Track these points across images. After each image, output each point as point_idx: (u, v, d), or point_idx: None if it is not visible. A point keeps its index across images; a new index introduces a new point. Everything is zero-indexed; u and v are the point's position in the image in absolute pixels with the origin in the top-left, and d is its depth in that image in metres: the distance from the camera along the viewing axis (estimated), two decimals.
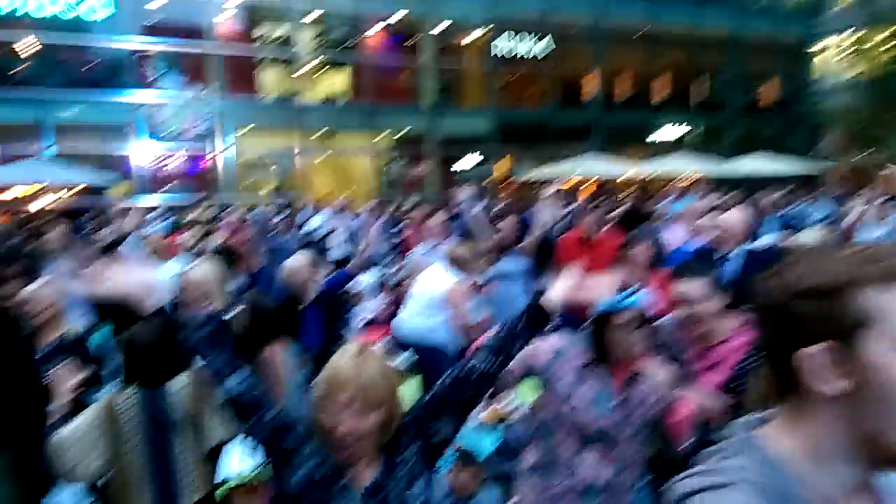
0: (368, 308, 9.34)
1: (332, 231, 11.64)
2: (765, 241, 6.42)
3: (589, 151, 19.42)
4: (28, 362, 3.33)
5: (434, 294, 4.86)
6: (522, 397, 5.70)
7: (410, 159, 20.62)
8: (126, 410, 2.53)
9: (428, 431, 1.76)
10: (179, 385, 2.64)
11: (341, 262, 8.67)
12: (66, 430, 2.46)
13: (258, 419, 1.69)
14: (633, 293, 2.46)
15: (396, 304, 7.98)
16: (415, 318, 4.99)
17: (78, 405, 2.73)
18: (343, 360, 1.63)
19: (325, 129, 18.71)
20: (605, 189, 17.27)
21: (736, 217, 4.44)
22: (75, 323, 3.59)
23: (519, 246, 5.78)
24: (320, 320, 4.74)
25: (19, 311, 3.47)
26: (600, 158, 18.78)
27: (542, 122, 21.39)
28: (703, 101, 23.86)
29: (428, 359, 4.76)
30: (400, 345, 7.65)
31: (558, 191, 7.82)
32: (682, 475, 1.00)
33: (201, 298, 3.61)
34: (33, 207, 11.27)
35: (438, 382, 1.83)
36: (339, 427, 1.60)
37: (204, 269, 3.80)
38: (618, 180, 19.06)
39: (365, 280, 9.64)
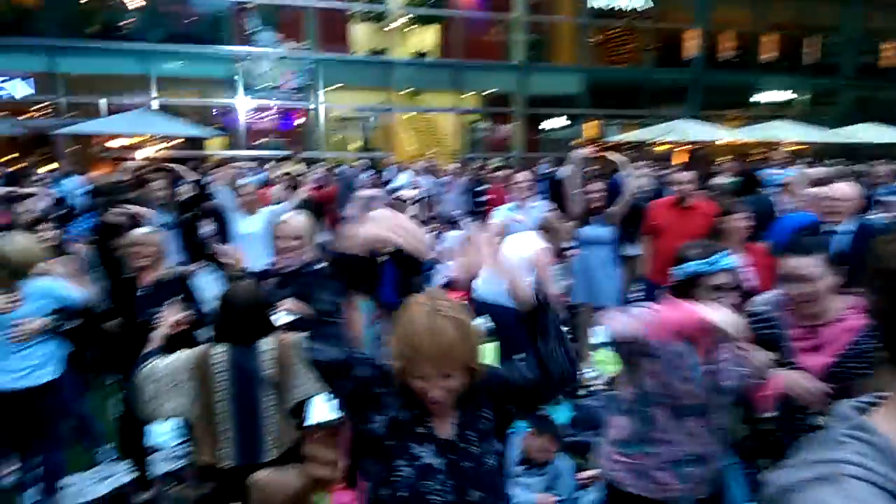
0: (448, 268, 9.39)
1: (417, 189, 11.71)
2: (877, 215, 5.93)
3: (686, 114, 18.51)
4: (133, 299, 3.56)
5: (518, 258, 4.77)
6: (601, 368, 5.61)
7: (497, 119, 20.34)
8: (217, 364, 2.65)
9: (502, 404, 1.77)
10: (268, 345, 2.73)
11: (424, 221, 8.72)
12: (160, 365, 2.61)
13: (346, 370, 1.69)
14: (726, 257, 2.32)
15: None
16: (495, 281, 4.92)
17: (182, 341, 2.93)
18: (420, 322, 1.60)
19: (412, 87, 18.69)
20: (702, 154, 16.46)
21: (846, 189, 4.10)
22: (175, 266, 3.76)
23: (607, 211, 5.59)
24: (397, 276, 4.79)
25: (127, 251, 3.68)
26: (697, 122, 17.86)
27: (637, 81, 20.52)
28: (814, 62, 22.13)
29: (506, 324, 4.73)
30: (478, 308, 7.67)
31: (645, 155, 7.47)
32: (782, 465, 0.91)
33: (295, 248, 3.72)
34: (138, 157, 11.92)
35: (518, 370, 1.80)
36: (421, 387, 1.61)
37: (297, 220, 3.89)
38: (716, 145, 18.11)
39: (448, 239, 9.67)
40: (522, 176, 5.96)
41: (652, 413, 2.38)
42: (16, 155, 15.26)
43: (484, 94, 20.04)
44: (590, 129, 20.61)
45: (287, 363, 2.72)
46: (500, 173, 12.12)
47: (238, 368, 2.66)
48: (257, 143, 17.64)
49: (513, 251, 4.99)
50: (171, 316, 3.02)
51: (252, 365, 2.68)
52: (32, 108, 16.11)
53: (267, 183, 10.52)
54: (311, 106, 17.86)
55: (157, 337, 2.84)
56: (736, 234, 3.94)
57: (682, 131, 16.75)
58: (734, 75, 21.07)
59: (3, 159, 13.45)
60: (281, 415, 2.73)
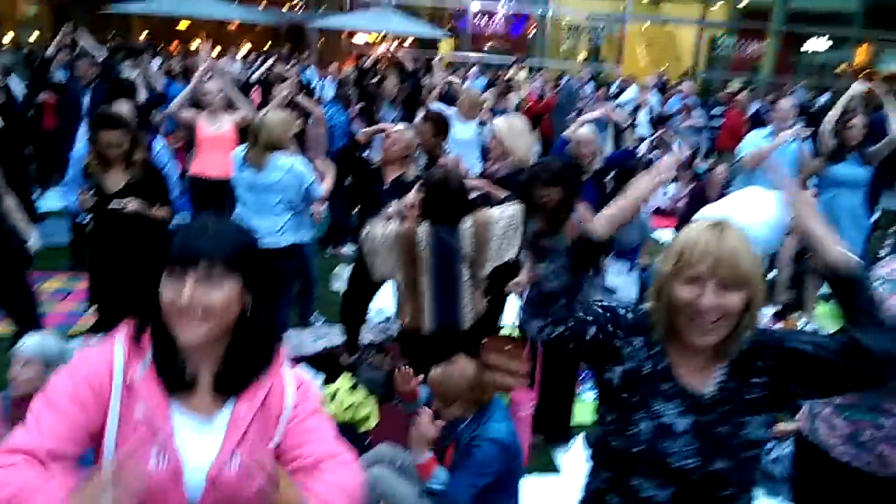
0: (659, 193, 8.87)
1: (640, 107, 11.03)
2: None
3: None
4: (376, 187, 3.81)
5: (761, 213, 4.26)
6: (821, 323, 5.03)
7: (747, 35, 18.14)
8: (422, 240, 2.95)
9: (786, 379, 1.45)
10: (467, 225, 2.97)
11: (641, 140, 8.22)
12: (378, 228, 2.97)
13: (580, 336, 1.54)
14: None
15: (695, 195, 7.41)
16: (728, 212, 4.48)
17: None
18: (700, 231, 1.38)
19: None
20: None
21: None
22: (418, 167, 3.92)
23: (867, 150, 4.82)
24: (599, 194, 4.62)
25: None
26: None
27: None
28: None
29: None
30: None
31: None
32: None
33: (507, 151, 3.73)
34: (375, 53, 12.61)
35: (825, 344, 1.45)
36: (688, 298, 1.36)
37: (512, 123, 3.87)
38: None
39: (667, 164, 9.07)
40: (787, 103, 5.30)
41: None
42: (270, 43, 16.96)
43: (738, 6, 17.89)
44: (861, 53, 17.59)
45: (482, 240, 2.97)
46: (741, 96, 10.95)
47: (440, 245, 2.94)
48: (484, 47, 17.68)
49: (756, 204, 4.50)
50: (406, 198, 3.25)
51: (453, 243, 2.95)
52: (289, 1, 17.65)
53: (487, 87, 10.58)
54: (542, 12, 17.34)
55: (389, 212, 3.13)
56: None
57: None
58: None
59: (264, 48, 15.01)
60: (475, 287, 3.04)
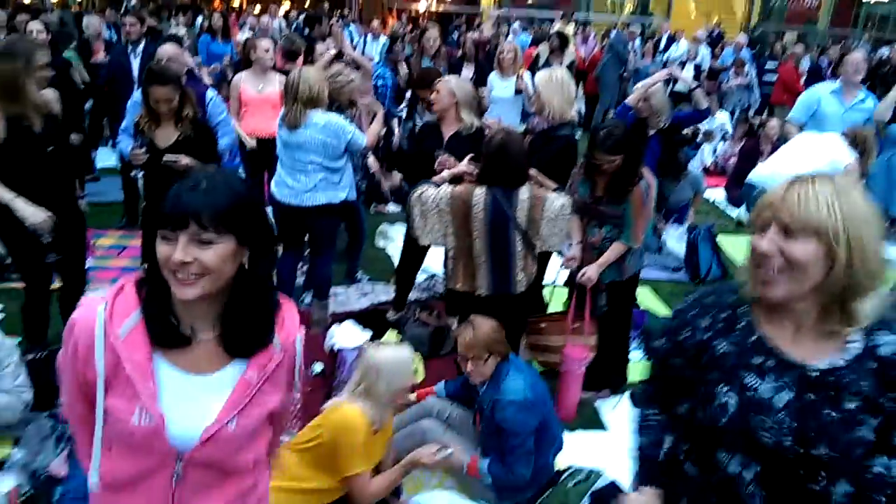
0: (710, 151, 8.59)
1: (689, 61, 10.66)
2: None
3: None
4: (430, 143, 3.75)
5: (816, 161, 4.09)
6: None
7: None
8: (478, 203, 2.88)
9: None
10: (524, 196, 2.91)
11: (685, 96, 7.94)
12: (429, 193, 2.93)
13: None
14: None
15: (746, 152, 7.16)
16: (778, 174, 4.33)
17: None
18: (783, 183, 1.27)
19: None
20: None
21: None
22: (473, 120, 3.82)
23: None
24: (658, 151, 4.50)
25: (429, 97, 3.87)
26: None
27: None
28: None
29: None
30: (738, 199, 6.98)
31: None
32: None
33: (555, 109, 3.65)
34: (417, 10, 12.40)
35: None
36: (758, 244, 1.25)
37: (552, 76, 3.77)
38: None
39: (718, 121, 8.79)
40: (859, 55, 5.04)
41: None
42: (311, 1, 16.83)
43: None
44: None
45: (536, 214, 2.91)
46: (795, 49, 10.48)
47: (496, 209, 2.88)
48: (527, 2, 17.24)
49: (808, 147, 4.33)
50: (459, 165, 3.24)
51: (509, 208, 2.89)
52: None
53: (532, 43, 10.33)
54: None
55: (442, 177, 3.10)
56: None
57: None
58: None
59: (305, 5, 14.91)
60: (529, 256, 3.00)
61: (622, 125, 3.24)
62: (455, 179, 3.15)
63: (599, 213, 3.20)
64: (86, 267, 3.66)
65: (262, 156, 4.87)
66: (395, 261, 5.13)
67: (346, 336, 3.63)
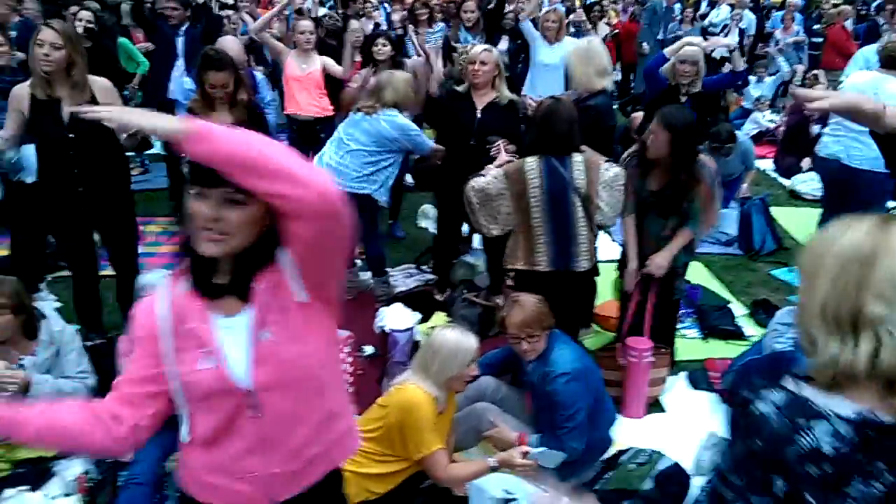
0: (758, 119, 8.30)
1: (733, 25, 10.27)
2: None
3: None
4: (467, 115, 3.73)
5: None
6: None
7: None
8: (531, 172, 2.85)
9: None
10: (578, 159, 2.90)
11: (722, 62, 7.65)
12: (480, 181, 2.89)
13: None
14: None
15: (795, 121, 6.89)
16: (843, 141, 4.14)
17: None
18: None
19: None
20: None
21: None
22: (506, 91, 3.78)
23: None
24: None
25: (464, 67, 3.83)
26: None
27: None
28: None
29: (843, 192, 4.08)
30: (788, 170, 6.72)
31: None
32: None
33: (580, 79, 3.57)
34: None
35: None
36: None
37: (584, 46, 3.67)
38: None
39: (760, 90, 8.49)
40: None
41: None
42: None
43: None
44: None
45: (593, 177, 2.89)
46: (844, 9, 10.00)
47: (552, 176, 2.83)
48: None
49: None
50: (504, 152, 3.18)
51: (565, 174, 2.85)
52: None
53: (567, 13, 10.07)
54: None
55: (491, 169, 3.02)
56: None
57: None
58: None
59: None
60: (589, 227, 2.93)
61: (682, 110, 3.18)
62: None
63: (663, 207, 3.06)
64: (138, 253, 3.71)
65: (306, 135, 4.91)
66: None
67: (395, 318, 3.62)
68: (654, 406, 3.28)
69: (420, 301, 4.00)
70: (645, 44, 9.44)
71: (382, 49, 4.56)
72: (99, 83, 3.17)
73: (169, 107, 4.88)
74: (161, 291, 1.34)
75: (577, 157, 2.88)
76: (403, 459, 2.33)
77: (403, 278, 4.45)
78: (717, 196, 3.09)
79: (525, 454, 2.33)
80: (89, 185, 3.16)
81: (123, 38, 5.80)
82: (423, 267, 4.61)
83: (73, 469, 2.52)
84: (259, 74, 4.23)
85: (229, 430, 1.33)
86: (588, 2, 9.64)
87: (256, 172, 1.13)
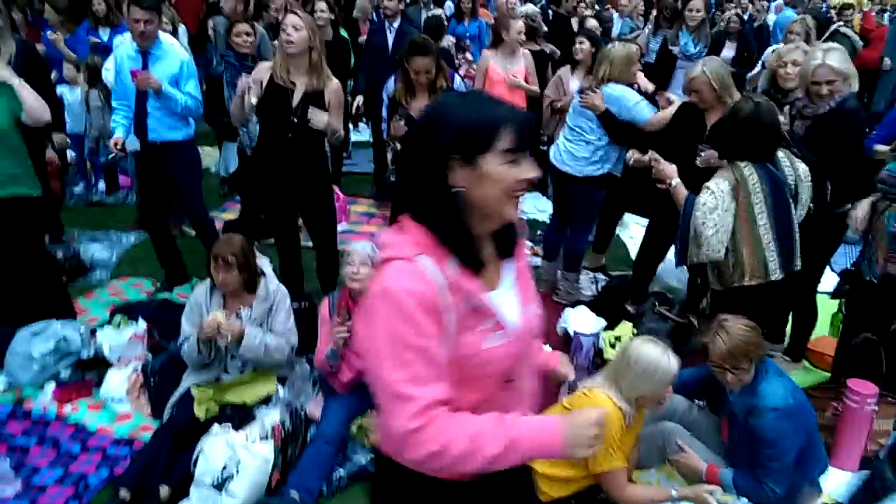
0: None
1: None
2: None
3: None
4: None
5: None
6: None
7: None
8: (752, 179, 2.66)
9: None
10: (780, 156, 2.78)
11: None
12: (704, 199, 2.64)
13: None
14: None
15: None
16: None
17: None
18: None
19: None
20: None
21: None
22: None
23: None
24: None
25: None
26: None
27: None
28: None
29: None
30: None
31: None
32: None
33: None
34: None
35: None
36: None
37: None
38: None
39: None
40: None
41: None
42: None
43: None
44: None
45: (798, 174, 2.81)
46: None
47: (773, 182, 2.68)
48: None
49: None
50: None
51: (780, 177, 2.73)
52: None
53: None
54: None
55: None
56: None
57: None
58: None
59: None
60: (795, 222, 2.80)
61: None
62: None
63: None
64: (337, 229, 3.95)
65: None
66: (630, 247, 4.89)
67: (581, 321, 3.51)
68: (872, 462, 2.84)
69: (605, 307, 3.85)
70: (888, 59, 8.23)
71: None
72: (333, 84, 3.39)
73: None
74: (429, 267, 1.21)
75: (780, 154, 2.77)
76: (582, 468, 2.24)
77: (588, 283, 4.30)
78: None
79: (711, 492, 2.13)
80: (298, 169, 3.42)
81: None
82: (610, 273, 4.46)
83: (271, 416, 2.73)
84: (458, 78, 4.31)
85: (490, 401, 1.28)
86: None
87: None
